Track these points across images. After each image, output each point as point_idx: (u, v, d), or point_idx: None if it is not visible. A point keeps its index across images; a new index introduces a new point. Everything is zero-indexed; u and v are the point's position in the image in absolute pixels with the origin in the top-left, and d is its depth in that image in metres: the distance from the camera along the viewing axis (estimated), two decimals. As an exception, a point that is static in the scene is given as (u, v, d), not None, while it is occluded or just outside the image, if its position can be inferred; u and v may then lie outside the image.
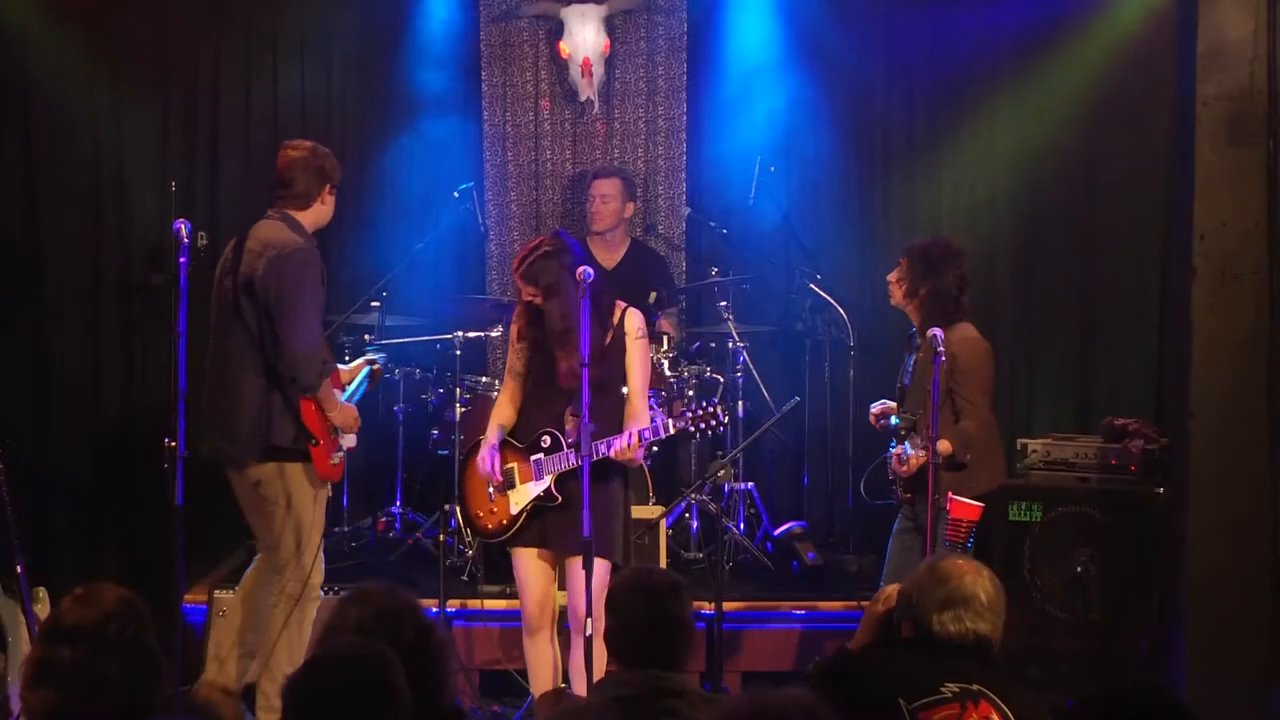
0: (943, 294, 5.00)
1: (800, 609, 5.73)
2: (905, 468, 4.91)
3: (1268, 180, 4.78)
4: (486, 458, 4.72)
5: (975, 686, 3.02)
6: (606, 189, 6.66)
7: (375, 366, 5.28)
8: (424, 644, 2.83)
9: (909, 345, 5.19)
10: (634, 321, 4.73)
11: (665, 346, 6.30)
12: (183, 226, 4.61)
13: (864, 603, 5.32)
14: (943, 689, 3.01)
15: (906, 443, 4.95)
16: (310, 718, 2.48)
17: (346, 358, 6.36)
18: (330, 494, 5.00)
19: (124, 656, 2.66)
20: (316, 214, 4.99)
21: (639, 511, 5.42)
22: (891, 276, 5.13)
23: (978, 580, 3.13)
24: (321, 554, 4.98)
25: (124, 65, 6.83)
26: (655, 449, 5.91)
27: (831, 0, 6.98)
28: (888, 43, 7.03)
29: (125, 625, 2.68)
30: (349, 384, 5.16)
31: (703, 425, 4.53)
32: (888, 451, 5.12)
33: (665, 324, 6.57)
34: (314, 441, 4.81)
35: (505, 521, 4.72)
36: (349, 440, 5.02)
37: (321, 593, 5.01)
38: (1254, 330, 4.80)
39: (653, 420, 4.58)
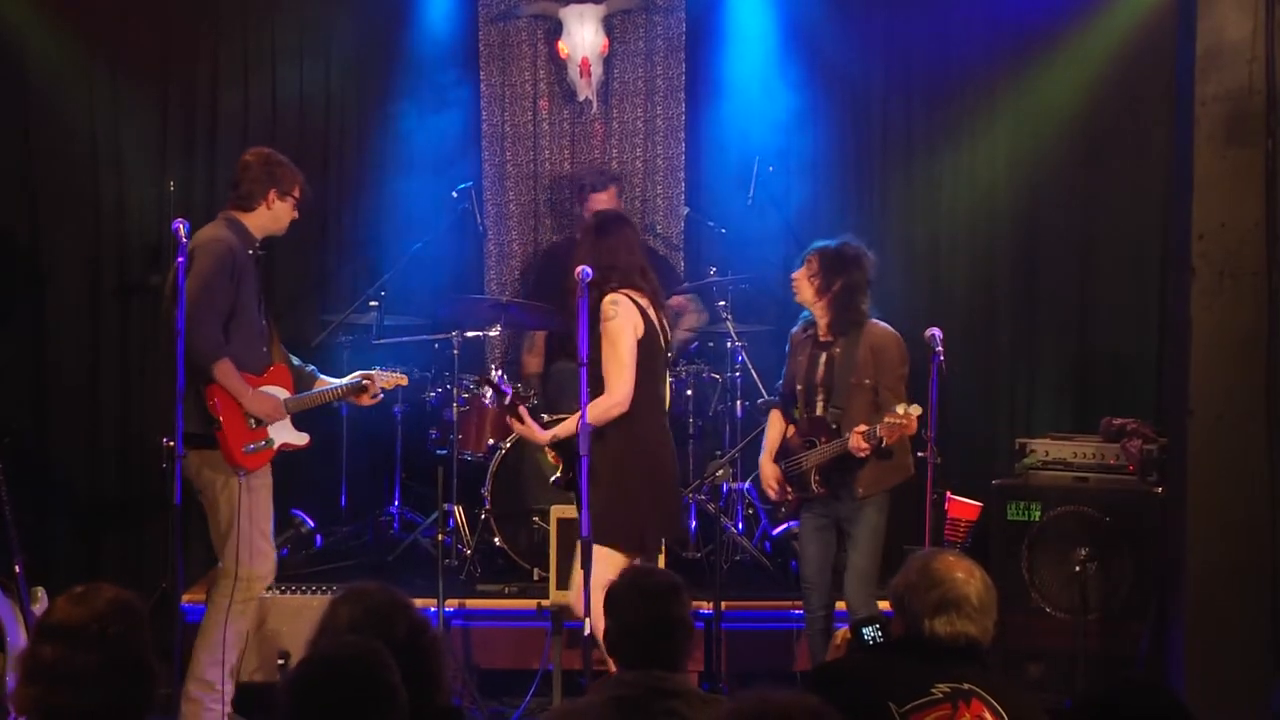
0: (853, 290, 5.04)
1: (799, 609, 5.70)
2: (866, 446, 4.87)
3: (1266, 180, 4.77)
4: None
5: (966, 686, 3.03)
6: (605, 204, 6.48)
7: (367, 382, 5.21)
8: (417, 642, 2.83)
9: (807, 343, 5.18)
10: (605, 305, 4.70)
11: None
12: (181, 226, 4.63)
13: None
14: (933, 690, 3.02)
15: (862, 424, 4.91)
16: (307, 718, 2.47)
17: (346, 354, 6.37)
18: (257, 483, 4.93)
19: (110, 656, 2.65)
20: (261, 218, 5.06)
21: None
22: (799, 274, 5.15)
23: (969, 581, 3.13)
24: (262, 545, 4.96)
25: (122, 65, 6.82)
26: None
27: (830, 0, 6.98)
28: (886, 42, 7.01)
29: (113, 625, 2.67)
30: (323, 387, 5.18)
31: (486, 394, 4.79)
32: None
33: (690, 319, 6.61)
34: (217, 425, 4.83)
35: None
36: (292, 437, 5.03)
37: (266, 588, 5.04)
38: (1253, 330, 4.79)
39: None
